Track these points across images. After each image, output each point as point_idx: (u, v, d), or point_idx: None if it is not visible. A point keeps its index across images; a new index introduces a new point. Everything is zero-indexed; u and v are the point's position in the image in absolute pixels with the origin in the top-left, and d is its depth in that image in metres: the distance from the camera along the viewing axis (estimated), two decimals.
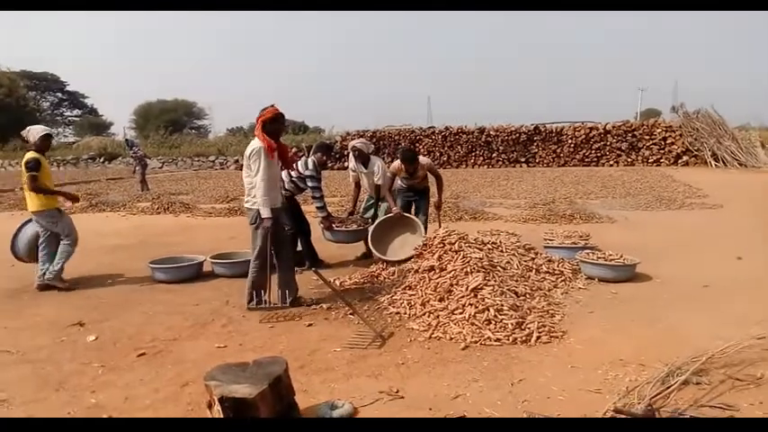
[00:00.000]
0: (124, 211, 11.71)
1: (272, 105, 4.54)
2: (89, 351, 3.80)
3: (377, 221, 6.17)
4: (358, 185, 6.76)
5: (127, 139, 17.93)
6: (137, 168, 15.49)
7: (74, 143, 41.67)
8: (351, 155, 6.56)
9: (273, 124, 4.50)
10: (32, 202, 5.39)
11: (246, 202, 4.72)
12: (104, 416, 2.88)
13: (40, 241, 5.53)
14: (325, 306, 4.64)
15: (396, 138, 26.95)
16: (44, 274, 5.43)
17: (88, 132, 50.76)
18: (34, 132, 5.47)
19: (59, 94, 61.82)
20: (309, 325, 4.23)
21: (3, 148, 39.77)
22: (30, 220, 5.67)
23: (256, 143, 4.48)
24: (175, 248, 7.15)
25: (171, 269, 5.72)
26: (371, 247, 6.02)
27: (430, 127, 27.99)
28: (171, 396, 3.09)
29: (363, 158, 6.40)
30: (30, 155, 5.38)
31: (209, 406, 2.61)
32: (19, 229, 5.76)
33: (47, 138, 5.49)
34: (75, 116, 63.23)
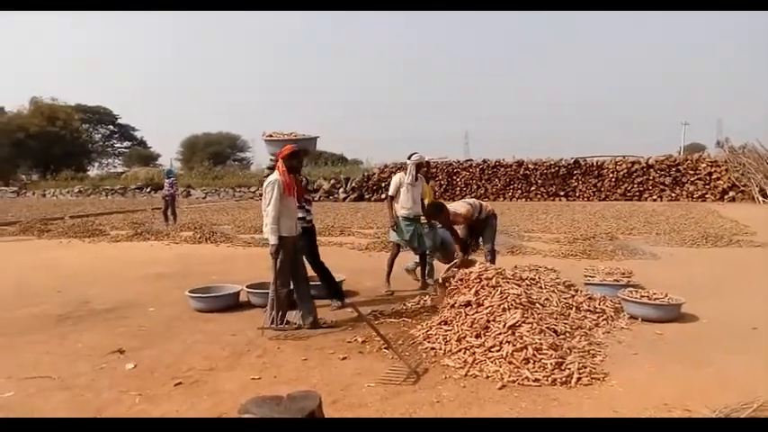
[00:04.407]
0: (168, 240, 12.03)
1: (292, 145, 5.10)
2: (127, 379, 3.87)
3: (447, 268, 6.05)
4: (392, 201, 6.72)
5: (168, 170, 18.24)
6: (166, 198, 15.11)
7: (122, 173, 43.40)
8: (409, 168, 6.53)
9: (291, 160, 4.97)
10: None
11: (263, 233, 5.05)
12: None
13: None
14: (359, 339, 4.61)
15: (433, 171, 27.06)
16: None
17: (136, 163, 52.87)
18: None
19: (111, 127, 64.87)
20: (344, 358, 4.20)
21: (56, 177, 41.86)
22: None
23: (274, 176, 4.94)
24: (215, 278, 7.28)
25: (207, 298, 5.81)
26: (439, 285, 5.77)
27: (467, 160, 28.03)
28: None
29: (420, 169, 6.57)
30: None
31: None
32: None
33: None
34: (125, 148, 66.21)
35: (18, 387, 3.72)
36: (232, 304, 5.88)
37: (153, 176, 36.56)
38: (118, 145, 66.66)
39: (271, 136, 5.58)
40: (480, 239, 6.43)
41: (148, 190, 33.96)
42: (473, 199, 6.43)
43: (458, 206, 6.10)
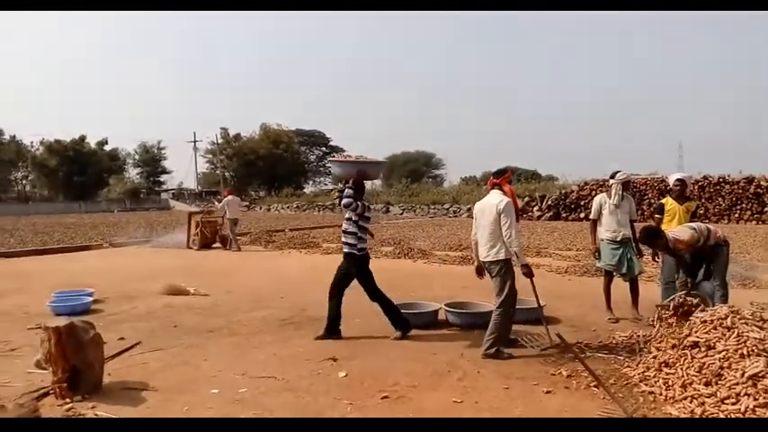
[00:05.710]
0: (371, 254, 12.81)
1: (507, 167, 5.36)
2: (340, 387, 4.15)
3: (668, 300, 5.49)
4: (595, 224, 6.40)
5: None
6: None
7: (331, 190, 47.76)
8: (614, 188, 6.22)
9: (511, 184, 5.29)
10: None
11: (487, 256, 4.94)
12: None
13: None
14: (564, 373, 4.35)
15: (642, 188, 24.75)
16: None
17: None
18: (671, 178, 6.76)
19: (324, 148, 72.20)
20: (548, 392, 3.99)
21: (278, 194, 47.83)
22: None
23: (505, 198, 4.97)
24: (413, 294, 7.53)
25: (408, 315, 6.00)
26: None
27: None
28: None
29: (627, 188, 6.30)
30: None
31: None
32: None
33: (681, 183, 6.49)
34: None
35: (250, 385, 4.23)
36: (431, 322, 6.01)
37: None
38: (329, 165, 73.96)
39: (333, 156, 5.81)
40: (703, 272, 5.58)
41: None
42: (698, 223, 5.65)
43: (679, 231, 5.39)
